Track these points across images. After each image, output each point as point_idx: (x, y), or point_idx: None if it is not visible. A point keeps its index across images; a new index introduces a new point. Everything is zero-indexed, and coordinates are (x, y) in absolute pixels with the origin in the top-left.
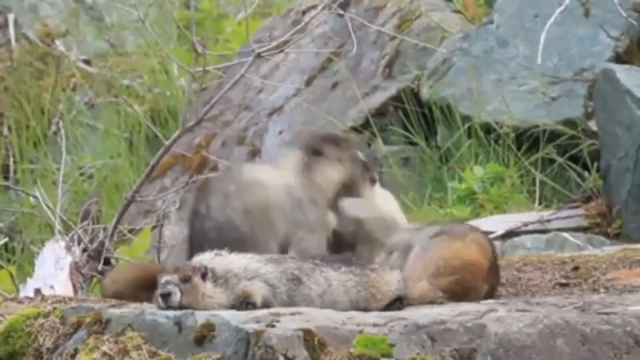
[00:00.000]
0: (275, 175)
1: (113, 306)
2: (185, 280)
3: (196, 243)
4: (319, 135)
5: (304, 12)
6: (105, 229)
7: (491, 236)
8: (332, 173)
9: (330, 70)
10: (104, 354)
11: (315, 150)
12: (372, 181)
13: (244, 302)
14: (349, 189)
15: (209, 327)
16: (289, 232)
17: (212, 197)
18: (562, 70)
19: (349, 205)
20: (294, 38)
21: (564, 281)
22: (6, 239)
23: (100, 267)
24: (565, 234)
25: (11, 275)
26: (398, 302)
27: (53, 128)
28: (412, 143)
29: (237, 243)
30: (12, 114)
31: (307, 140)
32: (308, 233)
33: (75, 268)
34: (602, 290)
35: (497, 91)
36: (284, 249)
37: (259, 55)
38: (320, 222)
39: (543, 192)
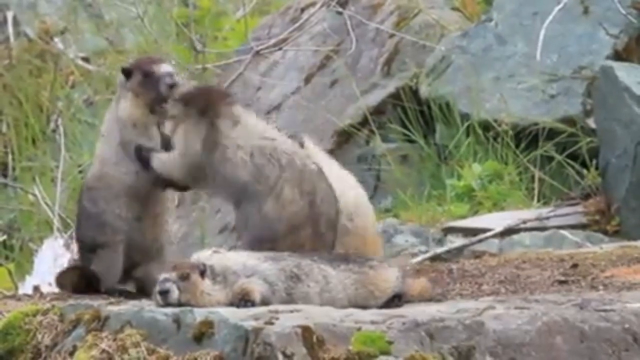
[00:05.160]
0: None
1: (112, 303)
2: (184, 277)
3: None
4: (143, 57)
5: (302, 10)
6: None
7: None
8: (125, 105)
9: (329, 68)
10: (103, 351)
11: (126, 71)
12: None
13: (243, 300)
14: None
15: (208, 324)
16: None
17: None
18: (561, 68)
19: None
20: (292, 36)
21: (562, 278)
22: (5, 237)
23: None
24: (564, 232)
25: (10, 273)
26: (396, 299)
27: (52, 125)
28: (411, 141)
29: None
30: (10, 111)
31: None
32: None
33: None
34: (600, 287)
35: (496, 89)
36: None
37: (257, 53)
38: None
39: (542, 189)
